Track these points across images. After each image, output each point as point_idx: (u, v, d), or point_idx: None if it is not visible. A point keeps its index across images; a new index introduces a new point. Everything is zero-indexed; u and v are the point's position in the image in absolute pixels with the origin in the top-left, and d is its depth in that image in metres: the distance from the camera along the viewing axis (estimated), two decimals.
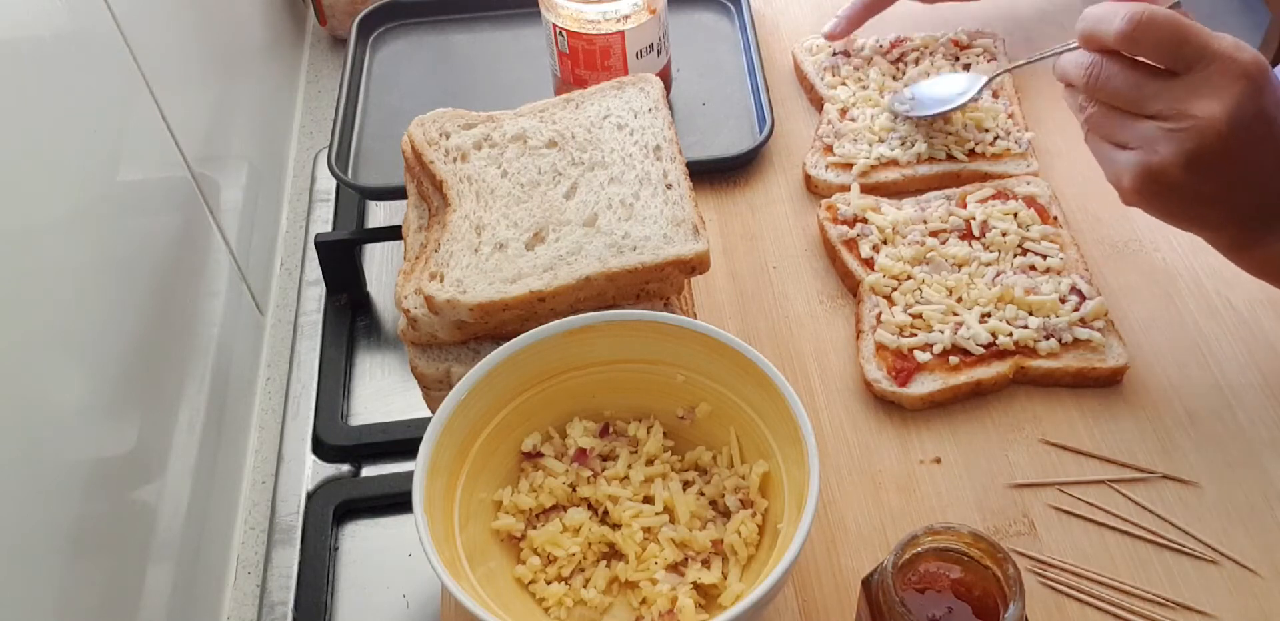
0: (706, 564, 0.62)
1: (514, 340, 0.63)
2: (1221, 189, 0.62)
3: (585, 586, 0.61)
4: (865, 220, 0.80)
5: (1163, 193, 0.63)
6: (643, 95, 0.75)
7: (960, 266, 0.77)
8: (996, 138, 0.85)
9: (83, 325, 0.59)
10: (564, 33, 0.86)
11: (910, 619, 0.52)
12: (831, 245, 0.80)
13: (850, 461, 0.71)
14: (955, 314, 0.74)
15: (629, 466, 0.64)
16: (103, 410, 0.61)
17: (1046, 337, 0.73)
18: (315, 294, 0.88)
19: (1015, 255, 0.78)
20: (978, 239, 0.78)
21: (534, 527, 0.63)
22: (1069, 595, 0.64)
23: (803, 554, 0.62)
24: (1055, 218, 0.80)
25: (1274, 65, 2.54)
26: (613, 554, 0.63)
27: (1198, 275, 0.79)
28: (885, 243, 0.79)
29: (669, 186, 0.70)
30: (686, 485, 0.64)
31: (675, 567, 0.61)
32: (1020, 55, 0.94)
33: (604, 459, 0.65)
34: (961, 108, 0.85)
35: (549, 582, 0.62)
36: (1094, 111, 0.64)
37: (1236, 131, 0.59)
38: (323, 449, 0.77)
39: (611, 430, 0.67)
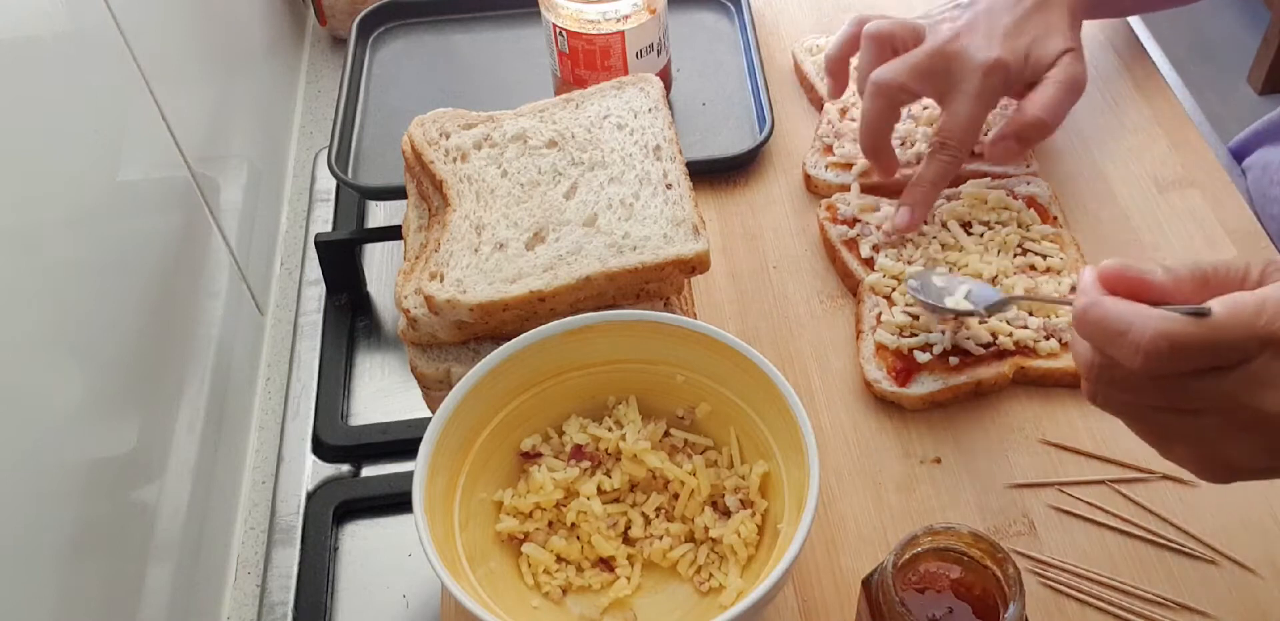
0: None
1: (514, 340, 0.63)
2: None
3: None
4: (865, 220, 0.80)
5: (1236, 475, 0.53)
6: (643, 95, 0.75)
7: (960, 267, 0.77)
8: None
9: (83, 325, 0.59)
10: (564, 33, 0.86)
11: (910, 619, 0.52)
12: (831, 245, 0.80)
13: (850, 461, 0.71)
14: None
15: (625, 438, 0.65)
16: (103, 410, 0.61)
17: (1046, 337, 0.73)
18: (315, 294, 0.88)
19: (1015, 255, 0.78)
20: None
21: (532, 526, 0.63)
22: (1069, 595, 0.64)
23: (803, 554, 0.61)
24: (1055, 218, 0.80)
25: (1273, 65, 2.51)
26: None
27: None
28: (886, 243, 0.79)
29: (669, 186, 0.70)
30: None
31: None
32: None
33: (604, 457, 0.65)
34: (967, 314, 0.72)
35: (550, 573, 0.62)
36: (1121, 400, 0.54)
37: None
38: (323, 449, 0.77)
39: (611, 423, 0.67)
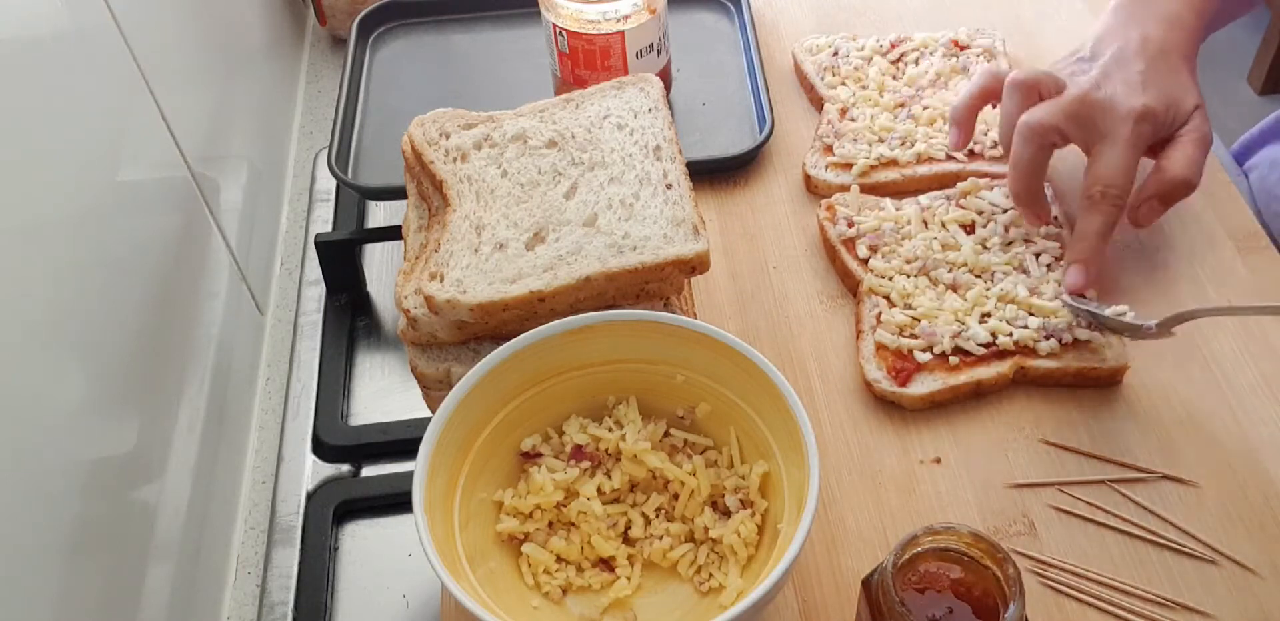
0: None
1: (514, 340, 0.63)
2: None
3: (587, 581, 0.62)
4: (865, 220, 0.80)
5: None
6: (643, 95, 0.75)
7: (960, 266, 0.77)
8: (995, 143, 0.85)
9: (83, 325, 0.59)
10: (564, 33, 0.86)
11: (910, 619, 0.52)
12: (831, 245, 0.80)
13: (850, 461, 0.71)
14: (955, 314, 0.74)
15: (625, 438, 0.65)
16: (103, 410, 0.61)
17: (1046, 338, 0.73)
18: (315, 294, 0.88)
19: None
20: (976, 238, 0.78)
21: (534, 526, 0.63)
22: (1069, 595, 0.64)
23: (803, 554, 0.61)
24: (1055, 218, 0.80)
25: (1273, 65, 2.51)
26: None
27: (1198, 275, 0.78)
28: (885, 243, 0.79)
29: (669, 186, 0.70)
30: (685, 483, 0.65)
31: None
32: (1021, 58, 0.94)
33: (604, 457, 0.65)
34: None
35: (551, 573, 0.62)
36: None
37: None
38: (323, 449, 0.77)
39: (611, 423, 0.67)
